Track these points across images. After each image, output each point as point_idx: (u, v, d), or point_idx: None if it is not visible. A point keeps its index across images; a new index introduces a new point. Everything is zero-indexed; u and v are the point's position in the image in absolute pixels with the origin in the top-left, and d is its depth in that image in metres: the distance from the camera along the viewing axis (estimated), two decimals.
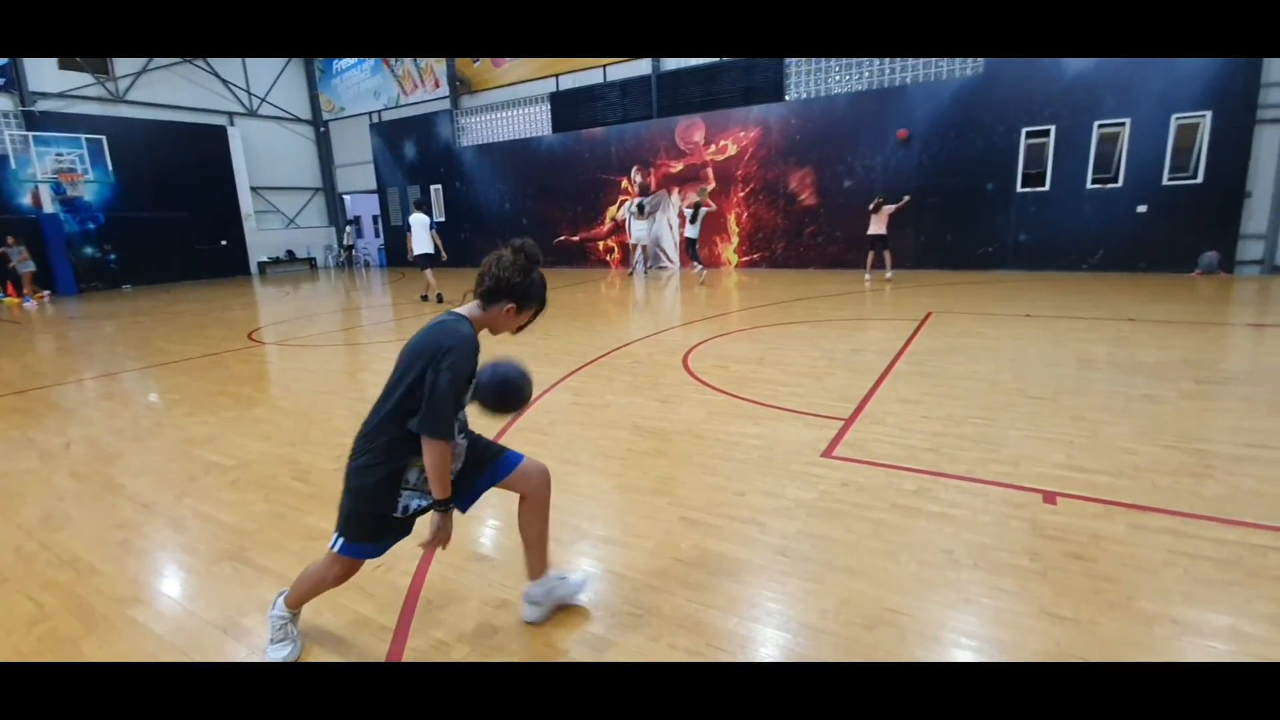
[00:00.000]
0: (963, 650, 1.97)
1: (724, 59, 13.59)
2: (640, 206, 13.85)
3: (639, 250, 13.95)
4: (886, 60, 11.98)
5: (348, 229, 20.95)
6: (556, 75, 15.73)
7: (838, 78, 12.55)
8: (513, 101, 16.60)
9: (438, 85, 17.79)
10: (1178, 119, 9.80)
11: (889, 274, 10.77)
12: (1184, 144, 9.84)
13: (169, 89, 17.14)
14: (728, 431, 3.91)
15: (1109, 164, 10.35)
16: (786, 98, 13.02)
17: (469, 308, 1.97)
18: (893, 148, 11.97)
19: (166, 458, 3.91)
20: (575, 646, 2.07)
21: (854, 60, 12.27)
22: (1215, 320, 6.70)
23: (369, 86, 19.30)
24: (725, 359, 5.82)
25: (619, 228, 15.39)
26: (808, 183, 12.96)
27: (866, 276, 10.93)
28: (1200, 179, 9.83)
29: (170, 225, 16.79)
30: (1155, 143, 9.98)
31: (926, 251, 12.00)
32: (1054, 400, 4.18)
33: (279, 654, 2.03)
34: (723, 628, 2.12)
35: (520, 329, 2.04)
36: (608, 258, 15.89)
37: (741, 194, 13.75)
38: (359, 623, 2.22)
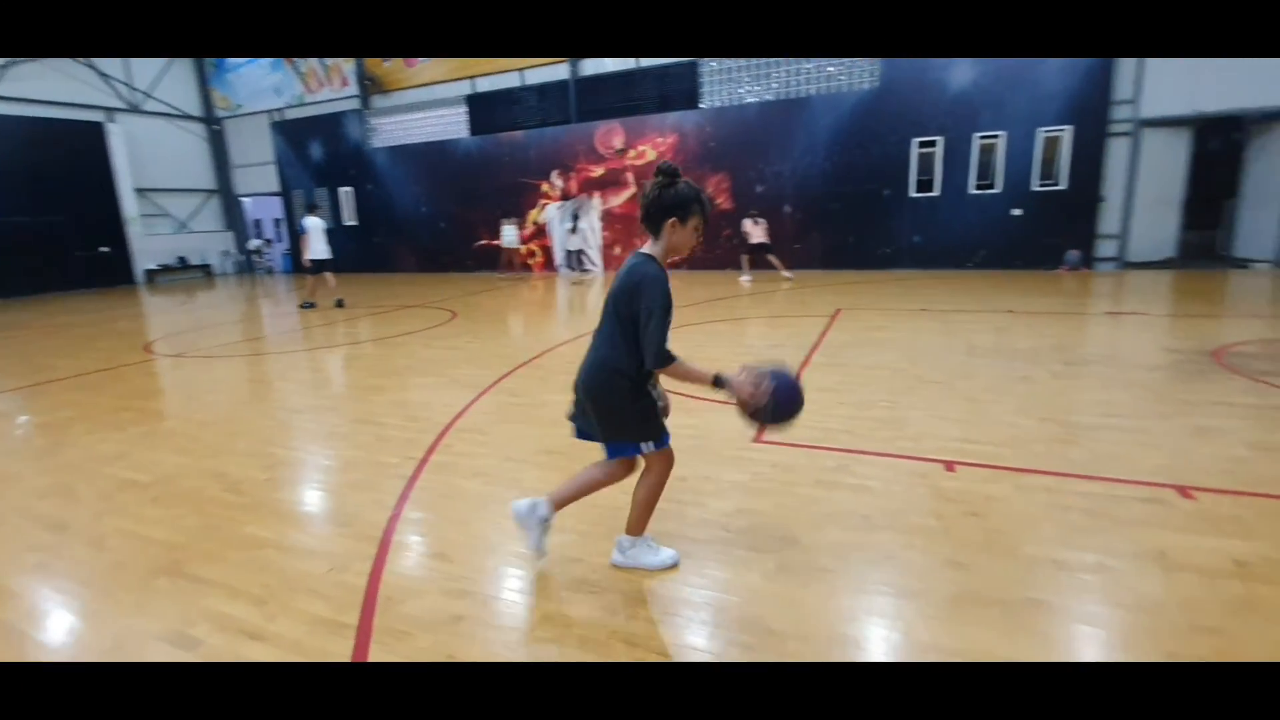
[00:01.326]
0: (884, 597, 2.24)
1: (639, 65, 13.92)
2: (575, 216, 14.01)
3: (566, 255, 14.08)
4: (792, 72, 12.69)
5: (258, 234, 19.76)
6: (472, 77, 15.53)
7: (748, 87, 13.15)
8: (428, 103, 16.23)
9: (345, 84, 17.11)
10: (1043, 132, 11.02)
11: (788, 274, 11.46)
12: (1049, 155, 11.07)
13: (39, 83, 15.53)
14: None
15: (988, 172, 11.48)
16: (701, 105, 13.51)
17: (649, 245, 2.19)
18: (800, 155, 12.69)
19: (74, 477, 3.67)
20: (541, 625, 2.19)
21: (762, 70, 12.90)
22: (1078, 310, 7.63)
23: (269, 83, 18.25)
24: None
25: (540, 231, 15.40)
26: (723, 188, 13.50)
27: (745, 278, 11.63)
28: (1064, 185, 11.09)
29: (44, 231, 15.22)
30: (1025, 153, 11.17)
31: (833, 253, 12.81)
32: (948, 384, 4.68)
33: (659, 560, 2.42)
34: (676, 596, 2.31)
35: (698, 243, 2.23)
36: (530, 261, 15.84)
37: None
38: (319, 622, 2.24)
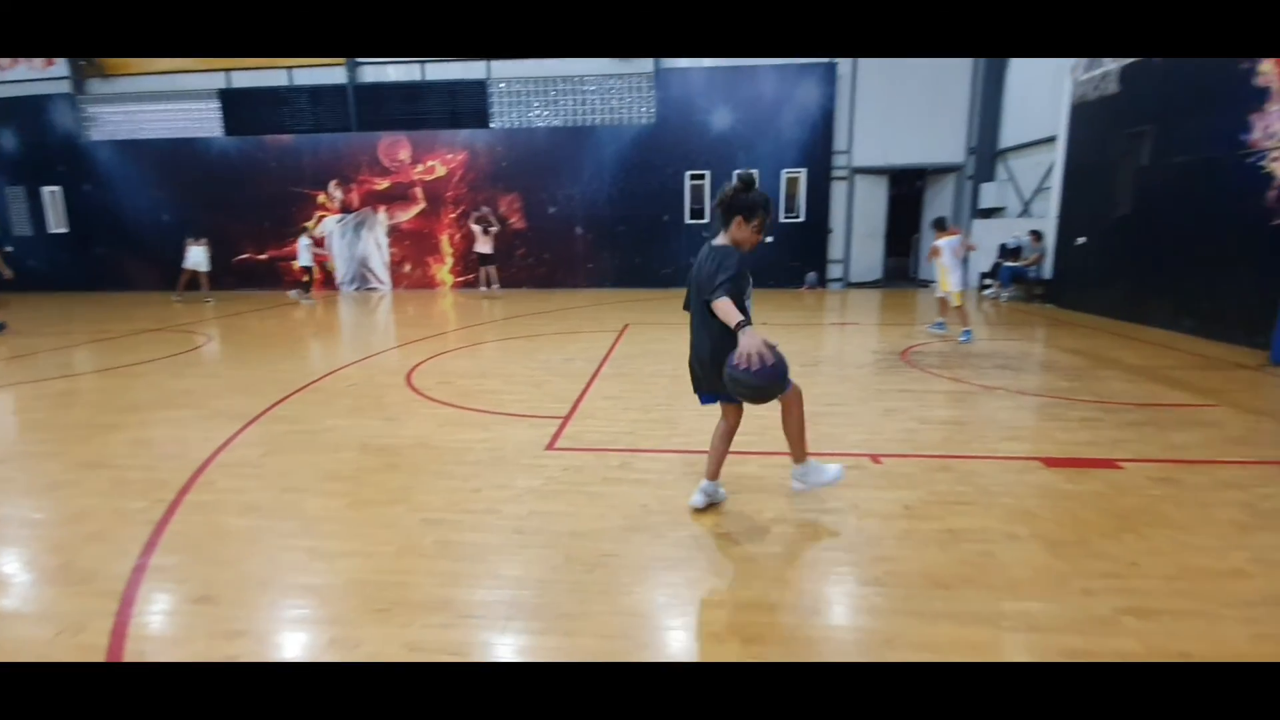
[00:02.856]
0: (658, 571, 2.61)
1: (425, 77, 13.59)
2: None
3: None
4: (579, 100, 13.39)
5: None
6: (227, 69, 13.80)
7: (538, 111, 13.57)
8: (169, 93, 14.01)
9: (50, 62, 14.05)
10: (786, 173, 13.06)
11: (496, 287, 12.18)
12: (791, 191, 13.15)
13: None
14: (459, 439, 4.18)
15: None
16: (492, 125, 13.59)
17: (719, 238, 2.75)
18: (589, 180, 13.41)
19: None
20: (326, 652, 2.17)
21: (551, 96, 13.42)
22: (813, 322, 9.20)
23: None
24: (449, 375, 6.01)
25: (318, 245, 14.12)
26: (516, 207, 13.70)
27: (495, 288, 12.25)
28: (803, 218, 13.24)
29: None
30: (774, 189, 13.12)
31: (622, 272, 13.72)
32: None
33: (828, 475, 3.05)
34: (470, 599, 2.43)
35: (759, 240, 2.77)
36: (305, 278, 14.40)
37: (453, 215, 13.86)
38: None
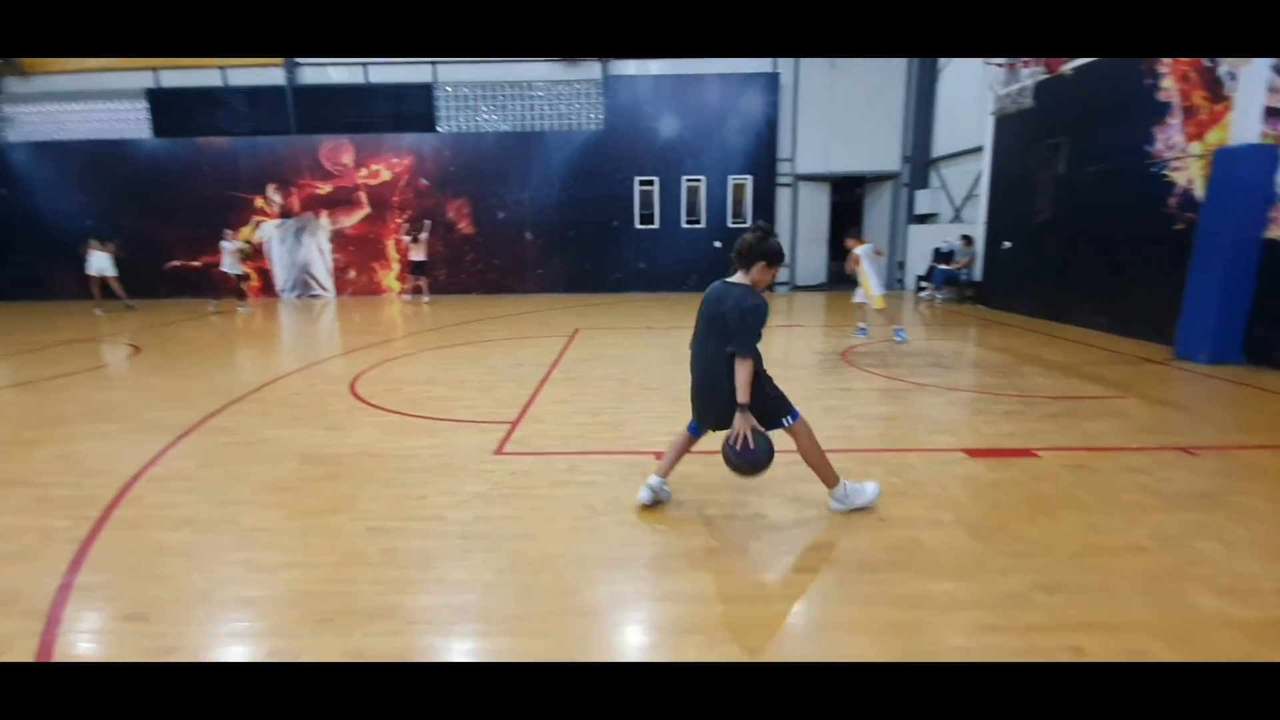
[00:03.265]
0: (604, 569, 2.67)
1: (369, 80, 13.33)
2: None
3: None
4: (528, 106, 13.36)
5: None
6: (155, 69, 13.20)
7: (485, 116, 13.47)
8: (93, 93, 13.30)
9: None
10: (733, 179, 13.35)
11: (426, 297, 12.21)
12: (738, 197, 13.44)
13: None
14: (405, 446, 4.14)
15: (695, 209, 13.49)
16: (439, 129, 13.42)
17: (738, 276, 2.81)
18: (538, 186, 13.38)
19: None
20: (270, 659, 2.15)
21: (499, 101, 13.35)
22: None
23: None
24: (396, 382, 5.92)
25: (257, 251, 13.64)
26: (464, 213, 13.56)
27: (424, 298, 12.26)
28: (750, 223, 13.53)
29: None
30: (721, 195, 13.39)
31: (573, 278, 13.74)
32: (662, 389, 5.50)
33: (867, 495, 3.08)
34: (416, 605, 2.43)
35: (772, 283, 2.90)
36: (243, 285, 13.87)
37: (399, 220, 13.61)
38: None
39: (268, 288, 13.88)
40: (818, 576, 2.57)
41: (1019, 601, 2.35)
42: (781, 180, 13.59)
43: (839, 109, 13.28)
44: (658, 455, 3.88)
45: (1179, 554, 2.67)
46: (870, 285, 7.46)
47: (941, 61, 12.63)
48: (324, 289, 13.93)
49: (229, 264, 11.85)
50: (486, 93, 13.32)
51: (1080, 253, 8.51)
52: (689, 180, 13.35)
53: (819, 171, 13.65)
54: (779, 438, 2.92)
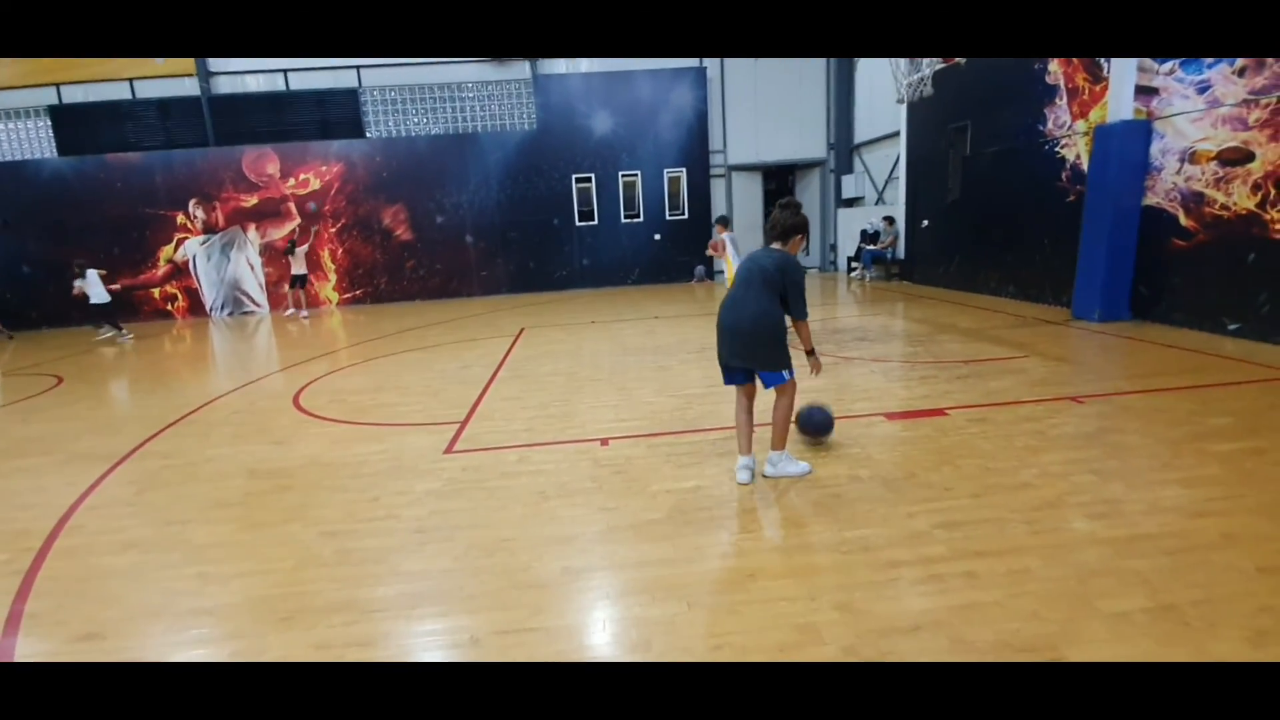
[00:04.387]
0: (554, 546, 2.84)
1: (289, 88, 12.96)
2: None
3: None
4: (459, 108, 13.26)
5: None
6: (57, 84, 12.47)
7: (415, 120, 13.30)
8: None
9: None
10: (668, 172, 13.61)
11: (304, 313, 12.09)
12: (674, 190, 13.72)
13: None
14: (354, 453, 4.20)
15: (633, 204, 13.69)
16: (368, 135, 13.17)
17: (776, 246, 3.24)
18: (476, 187, 13.32)
19: None
20: (232, 658, 2.24)
21: (428, 105, 13.20)
22: (702, 313, 9.72)
23: None
24: (341, 393, 5.91)
25: (178, 271, 13.11)
26: (401, 219, 13.37)
27: (303, 313, 12.14)
28: (686, 215, 13.86)
29: None
30: (658, 189, 13.64)
31: (517, 278, 13.75)
32: (608, 379, 5.70)
33: (799, 468, 3.38)
34: (373, 595, 2.56)
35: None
36: (169, 307, 13.32)
37: (333, 229, 13.31)
38: None
39: (196, 307, 13.35)
40: (750, 535, 2.82)
41: (924, 539, 2.65)
42: (715, 172, 13.95)
43: (765, 101, 13.72)
44: (603, 441, 4.09)
45: (1060, 487, 3.04)
46: (733, 268, 8.00)
47: None
48: (257, 305, 13.50)
49: (97, 294, 10.65)
50: (415, 95, 13.16)
51: (988, 227, 9.14)
52: (625, 175, 13.55)
53: (750, 161, 14.06)
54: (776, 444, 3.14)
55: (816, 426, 3.69)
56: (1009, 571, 2.39)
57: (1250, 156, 5.60)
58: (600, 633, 2.26)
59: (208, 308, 13.41)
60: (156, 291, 13.20)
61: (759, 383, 3.32)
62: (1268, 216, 5.50)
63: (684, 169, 13.62)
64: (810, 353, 3.35)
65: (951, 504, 2.94)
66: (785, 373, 3.23)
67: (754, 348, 3.20)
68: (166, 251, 13.03)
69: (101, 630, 2.46)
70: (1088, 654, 1.94)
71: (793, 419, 3.40)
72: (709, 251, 8.16)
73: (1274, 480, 3.00)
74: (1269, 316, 5.54)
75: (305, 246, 12.34)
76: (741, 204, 14.34)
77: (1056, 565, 2.41)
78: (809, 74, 13.72)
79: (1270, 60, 5.35)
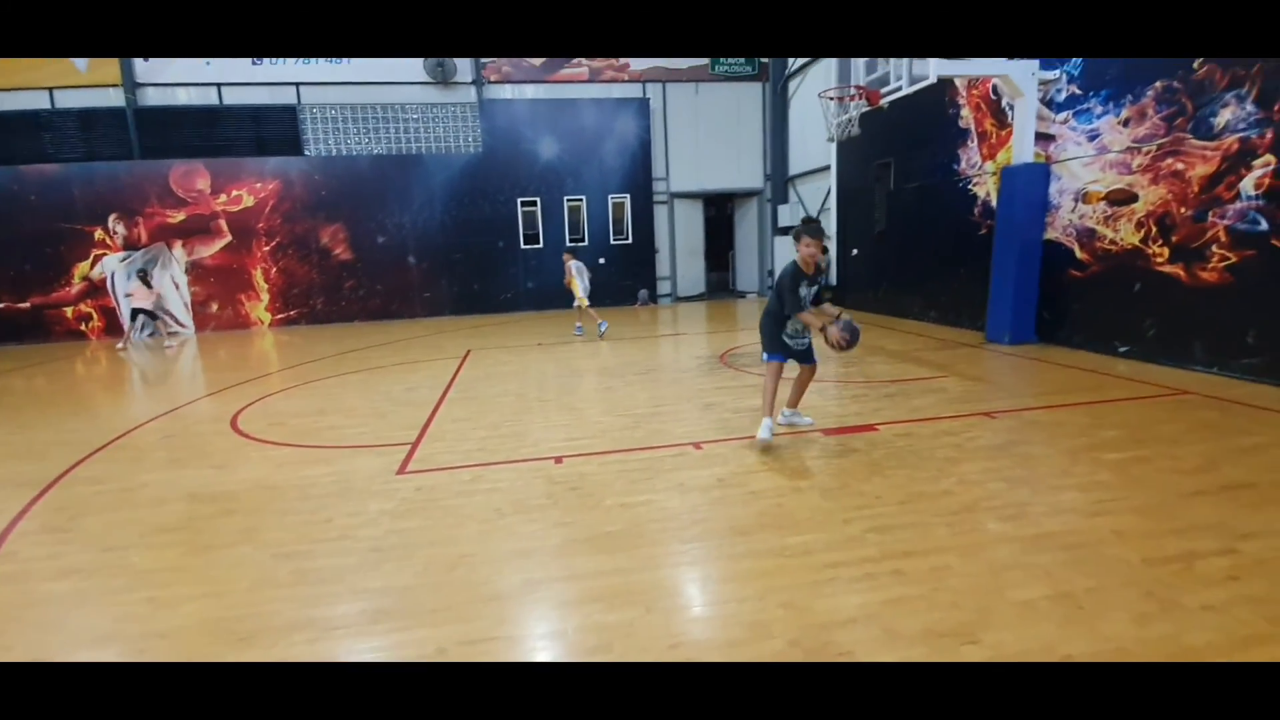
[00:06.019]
0: (513, 560, 2.94)
1: (223, 103, 12.58)
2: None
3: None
4: (401, 129, 13.20)
5: None
6: None
7: (356, 139, 13.14)
8: None
9: None
10: (612, 198, 13.94)
11: (120, 344, 11.24)
12: (619, 215, 14.04)
13: None
14: (302, 476, 4.15)
15: (579, 228, 13.91)
16: (306, 152, 12.90)
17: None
18: (420, 209, 13.22)
19: None
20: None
21: (370, 125, 13.08)
22: (647, 335, 10.00)
23: None
24: (282, 415, 5.78)
25: (95, 289, 12.37)
26: (341, 238, 13.10)
27: (119, 345, 11.27)
28: (631, 240, 14.19)
29: None
30: (603, 214, 13.93)
31: (461, 300, 13.67)
32: (557, 400, 5.81)
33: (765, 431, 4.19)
34: (334, 613, 2.58)
35: (812, 253, 4.00)
36: (83, 327, 12.52)
37: (266, 248, 12.89)
38: None
39: (113, 328, 12.59)
40: (699, 544, 3.00)
41: (857, 543, 2.90)
42: (658, 198, 14.37)
43: (705, 131, 14.30)
44: (557, 459, 4.21)
45: (976, 493, 3.38)
46: (579, 291, 9.47)
47: (791, 87, 13.98)
48: (182, 325, 12.86)
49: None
50: (357, 115, 13.02)
51: (911, 256, 9.83)
52: (570, 200, 13.78)
53: (691, 189, 14.58)
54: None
55: (854, 334, 4.17)
56: (932, 569, 2.66)
57: (1134, 197, 6.34)
58: (563, 638, 2.38)
59: (125, 328, 12.67)
60: (70, 311, 12.39)
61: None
62: (1150, 251, 6.22)
63: (628, 195, 13.97)
64: (822, 330, 4.06)
65: (881, 510, 3.22)
66: (765, 355, 4.25)
67: (760, 333, 4.37)
68: (82, 268, 12.29)
69: (50, 656, 2.39)
70: (1000, 638, 2.21)
71: (846, 336, 4.06)
72: (566, 281, 9.48)
73: (1157, 484, 3.43)
74: (1154, 340, 6.24)
75: (154, 283, 11.17)
76: (684, 230, 14.81)
77: (973, 562, 2.70)
78: (746, 106, 14.42)
79: (1150, 112, 6.10)
